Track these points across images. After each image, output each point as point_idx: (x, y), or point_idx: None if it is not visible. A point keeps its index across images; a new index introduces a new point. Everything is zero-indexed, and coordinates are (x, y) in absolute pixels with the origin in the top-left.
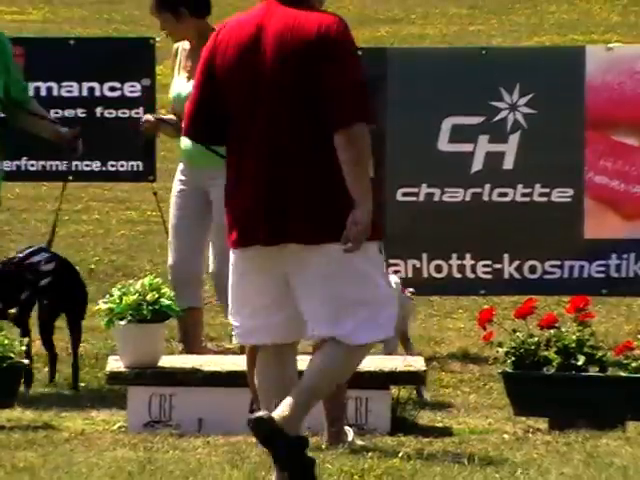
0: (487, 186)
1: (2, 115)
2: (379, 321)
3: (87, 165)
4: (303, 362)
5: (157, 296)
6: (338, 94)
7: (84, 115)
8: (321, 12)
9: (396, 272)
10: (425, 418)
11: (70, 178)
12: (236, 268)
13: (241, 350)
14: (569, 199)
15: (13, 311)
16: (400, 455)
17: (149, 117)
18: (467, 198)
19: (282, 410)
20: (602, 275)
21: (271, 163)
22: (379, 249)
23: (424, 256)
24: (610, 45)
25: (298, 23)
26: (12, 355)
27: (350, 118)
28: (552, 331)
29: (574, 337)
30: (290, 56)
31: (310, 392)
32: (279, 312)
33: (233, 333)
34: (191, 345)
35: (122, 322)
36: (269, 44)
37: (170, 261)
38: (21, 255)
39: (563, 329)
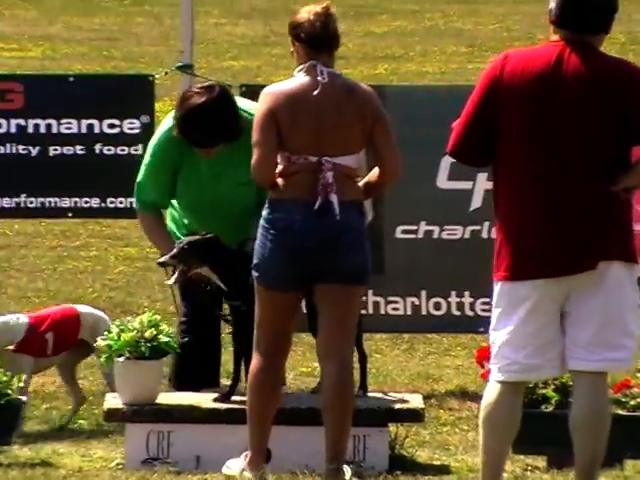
0: (486, 224)
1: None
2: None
3: (86, 202)
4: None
5: (155, 333)
6: None
7: (83, 152)
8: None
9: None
10: (423, 456)
11: (69, 215)
12: (515, 305)
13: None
14: None
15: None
16: None
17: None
18: (466, 235)
19: None
20: None
21: (565, 192)
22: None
23: (423, 293)
24: None
25: (602, 63)
26: (9, 392)
27: None
28: None
29: None
30: (595, 95)
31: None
32: (558, 346)
33: (497, 368)
34: None
35: (120, 359)
36: (570, 82)
37: None
38: None
39: None
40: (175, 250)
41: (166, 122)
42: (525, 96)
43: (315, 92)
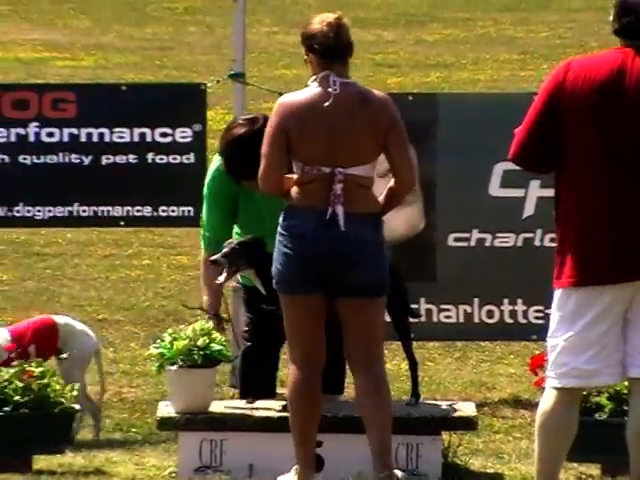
0: (539, 231)
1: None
2: None
3: (138, 210)
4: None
5: (208, 341)
6: None
7: (135, 161)
8: None
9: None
10: (476, 464)
11: (122, 223)
12: (579, 311)
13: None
14: None
15: None
16: None
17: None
18: (519, 243)
19: None
20: None
21: (631, 198)
22: None
23: (475, 301)
24: None
25: None
26: (63, 401)
27: None
28: None
29: (625, 383)
30: None
31: None
32: (618, 353)
33: (555, 374)
34: None
35: (173, 367)
36: (634, 89)
37: None
38: None
39: None
40: (227, 249)
41: (216, 158)
42: (588, 103)
43: (326, 104)
